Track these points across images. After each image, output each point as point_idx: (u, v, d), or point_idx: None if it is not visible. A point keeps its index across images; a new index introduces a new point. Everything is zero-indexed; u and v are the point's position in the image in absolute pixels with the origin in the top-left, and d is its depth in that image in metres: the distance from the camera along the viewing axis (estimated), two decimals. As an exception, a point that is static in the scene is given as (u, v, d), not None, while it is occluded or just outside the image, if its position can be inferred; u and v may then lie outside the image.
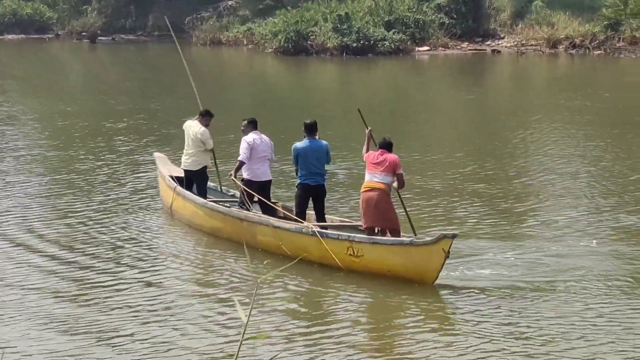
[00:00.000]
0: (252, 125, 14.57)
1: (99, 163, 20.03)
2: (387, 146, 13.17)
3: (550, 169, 19.70)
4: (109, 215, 15.64)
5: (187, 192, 15.17)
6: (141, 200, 16.81)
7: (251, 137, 14.36)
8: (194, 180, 15.40)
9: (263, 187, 14.38)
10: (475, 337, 10.42)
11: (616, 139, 23.43)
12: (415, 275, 12.11)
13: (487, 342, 10.28)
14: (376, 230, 13.02)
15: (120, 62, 47.26)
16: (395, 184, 13.03)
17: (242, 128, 14.71)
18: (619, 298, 11.83)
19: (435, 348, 10.19)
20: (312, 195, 13.85)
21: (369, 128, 13.80)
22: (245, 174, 14.38)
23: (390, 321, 11.21)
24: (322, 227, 13.25)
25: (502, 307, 11.36)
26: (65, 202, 16.58)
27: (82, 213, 15.75)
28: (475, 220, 15.49)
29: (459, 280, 12.35)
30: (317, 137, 14.01)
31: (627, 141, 22.97)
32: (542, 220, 15.62)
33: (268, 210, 14.38)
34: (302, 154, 13.69)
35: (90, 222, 15.16)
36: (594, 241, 14.13)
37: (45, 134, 24.25)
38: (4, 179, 18.22)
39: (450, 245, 11.84)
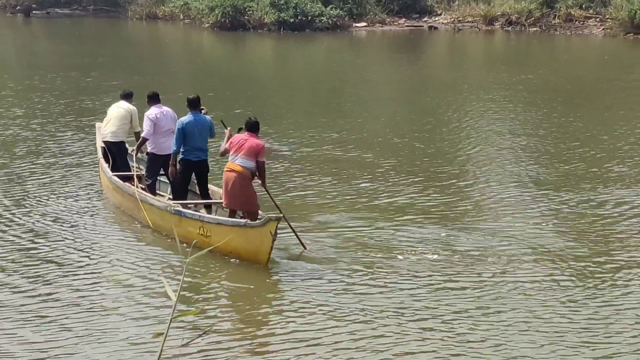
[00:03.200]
0: (154, 99, 14.46)
1: (40, 140, 19.64)
2: (252, 127, 12.86)
3: (487, 145, 19.65)
4: (43, 195, 15.32)
5: (104, 165, 15.08)
6: (80, 175, 16.73)
7: (153, 111, 14.25)
8: (114, 152, 15.28)
9: (168, 161, 14.23)
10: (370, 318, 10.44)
11: (553, 114, 23.53)
12: (252, 256, 12.02)
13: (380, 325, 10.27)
14: (241, 211, 12.90)
15: (58, 37, 46.40)
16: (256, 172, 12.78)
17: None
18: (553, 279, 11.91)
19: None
20: (195, 171, 13.70)
21: (229, 128, 13.43)
22: (150, 147, 14.32)
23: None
24: (184, 206, 13.20)
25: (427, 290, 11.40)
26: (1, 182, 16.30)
27: (16, 194, 15.42)
28: (411, 199, 15.33)
29: (390, 260, 12.38)
30: (200, 112, 13.77)
31: (563, 117, 23.13)
32: (479, 198, 15.54)
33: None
34: (186, 129, 13.39)
35: (24, 202, 14.85)
36: (551, 222, 14.00)
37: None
38: None
39: (276, 227, 11.71)
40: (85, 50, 38.80)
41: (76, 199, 15.19)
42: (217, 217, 12.78)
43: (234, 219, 12.59)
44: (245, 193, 12.65)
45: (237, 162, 12.63)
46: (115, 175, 14.62)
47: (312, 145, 19.49)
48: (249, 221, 12.26)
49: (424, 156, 18.61)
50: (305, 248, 12.64)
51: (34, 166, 17.34)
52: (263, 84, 30.92)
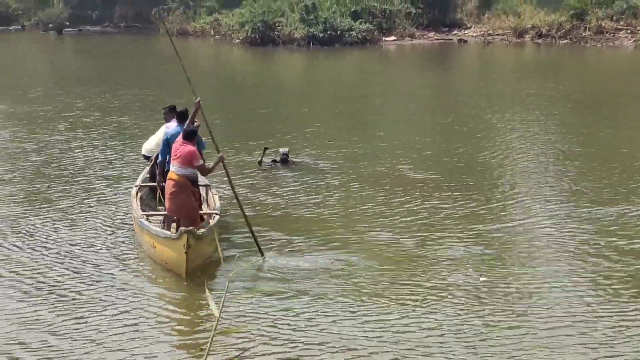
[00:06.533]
0: (173, 112, 14.33)
1: (90, 158, 19.62)
2: (187, 136, 12.82)
3: (522, 158, 19.46)
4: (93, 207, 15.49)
5: (141, 175, 15.36)
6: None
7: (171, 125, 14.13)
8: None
9: None
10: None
11: (588, 127, 23.25)
12: (175, 269, 12.00)
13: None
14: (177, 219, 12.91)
15: (91, 54, 46.47)
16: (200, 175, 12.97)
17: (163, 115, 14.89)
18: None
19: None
20: None
21: (198, 98, 13.43)
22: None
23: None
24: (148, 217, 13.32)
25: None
26: (53, 201, 16.17)
27: (68, 209, 15.47)
28: (445, 214, 15.11)
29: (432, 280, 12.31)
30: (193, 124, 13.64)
31: (599, 130, 22.76)
32: (517, 213, 15.29)
33: None
34: (171, 140, 13.30)
35: (73, 216, 14.94)
36: (593, 238, 13.59)
37: (33, 132, 23.56)
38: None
39: (187, 240, 11.62)
40: (120, 67, 38.92)
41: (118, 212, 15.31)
42: (158, 229, 12.78)
43: (164, 231, 12.60)
44: (180, 200, 12.63)
45: (173, 169, 12.73)
46: (140, 185, 14.81)
47: (343, 158, 19.39)
48: (172, 233, 12.26)
49: (458, 170, 18.38)
50: (262, 255, 12.51)
51: (82, 185, 17.38)
52: (294, 97, 30.85)
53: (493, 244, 13.48)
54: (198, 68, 40.66)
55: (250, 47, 47.12)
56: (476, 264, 12.56)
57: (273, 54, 45.53)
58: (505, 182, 17.49)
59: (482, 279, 11.96)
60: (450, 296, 11.38)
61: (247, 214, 13.40)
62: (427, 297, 11.37)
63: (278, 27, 48.11)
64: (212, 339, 4.25)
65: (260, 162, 18.58)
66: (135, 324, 10.58)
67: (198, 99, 13.44)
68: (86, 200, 16.01)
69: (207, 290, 4.75)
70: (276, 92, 31.77)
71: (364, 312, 10.91)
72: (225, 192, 15.99)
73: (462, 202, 15.82)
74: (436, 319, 10.67)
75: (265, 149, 18.78)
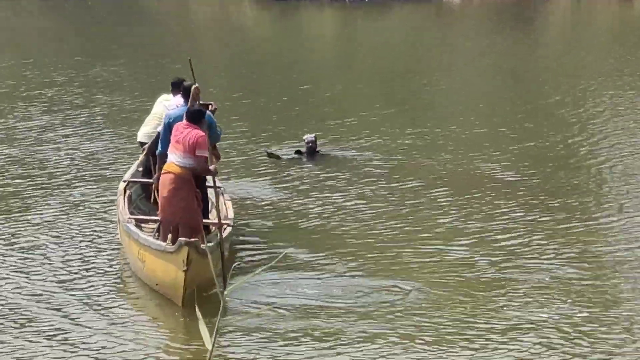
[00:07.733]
0: (177, 87, 14.28)
1: (72, 150, 19.61)
2: (192, 117, 12.60)
3: (627, 149, 19.32)
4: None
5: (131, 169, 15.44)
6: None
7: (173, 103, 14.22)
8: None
9: None
10: None
11: None
12: (170, 291, 12.05)
13: None
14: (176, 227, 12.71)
15: (67, 11, 46.80)
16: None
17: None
18: None
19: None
20: None
21: (196, 84, 13.21)
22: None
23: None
24: (139, 222, 13.44)
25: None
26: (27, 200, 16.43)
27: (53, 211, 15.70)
28: (526, 229, 14.91)
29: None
30: (207, 107, 13.57)
31: None
32: (625, 224, 15.08)
33: None
34: (174, 126, 12.97)
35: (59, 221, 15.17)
36: None
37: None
38: None
39: (188, 255, 11.56)
40: (102, 29, 39.25)
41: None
42: (149, 237, 12.73)
43: (157, 241, 12.49)
44: (178, 201, 12.48)
45: (173, 159, 12.49)
46: (130, 180, 14.86)
47: (390, 149, 19.43)
48: (168, 245, 12.10)
49: (550, 169, 18.25)
50: (222, 290, 12.37)
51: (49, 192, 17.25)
52: (326, 70, 30.94)
53: (597, 269, 13.32)
54: (199, 36, 40.83)
55: (266, 3, 47.15)
56: (573, 294, 12.43)
57: (296, 11, 45.75)
58: (613, 185, 17.36)
59: (581, 314, 11.83)
60: (539, 338, 11.23)
61: (262, 222, 13.59)
62: (508, 339, 11.25)
63: (303, -25, 48.23)
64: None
65: (273, 155, 18.23)
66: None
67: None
68: (65, 207, 16.03)
69: (198, 316, 4.98)
70: (303, 64, 31.87)
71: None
72: (240, 196, 16.12)
73: (555, 212, 15.68)
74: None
75: (266, 151, 18.53)
